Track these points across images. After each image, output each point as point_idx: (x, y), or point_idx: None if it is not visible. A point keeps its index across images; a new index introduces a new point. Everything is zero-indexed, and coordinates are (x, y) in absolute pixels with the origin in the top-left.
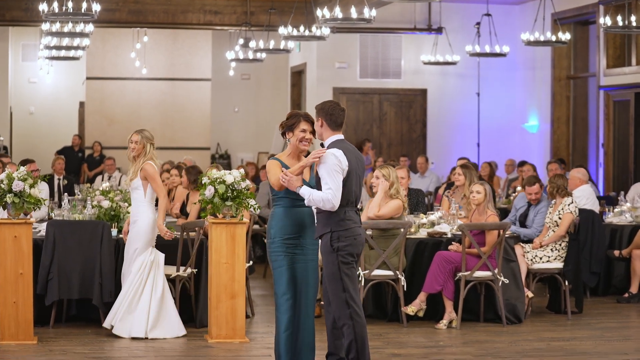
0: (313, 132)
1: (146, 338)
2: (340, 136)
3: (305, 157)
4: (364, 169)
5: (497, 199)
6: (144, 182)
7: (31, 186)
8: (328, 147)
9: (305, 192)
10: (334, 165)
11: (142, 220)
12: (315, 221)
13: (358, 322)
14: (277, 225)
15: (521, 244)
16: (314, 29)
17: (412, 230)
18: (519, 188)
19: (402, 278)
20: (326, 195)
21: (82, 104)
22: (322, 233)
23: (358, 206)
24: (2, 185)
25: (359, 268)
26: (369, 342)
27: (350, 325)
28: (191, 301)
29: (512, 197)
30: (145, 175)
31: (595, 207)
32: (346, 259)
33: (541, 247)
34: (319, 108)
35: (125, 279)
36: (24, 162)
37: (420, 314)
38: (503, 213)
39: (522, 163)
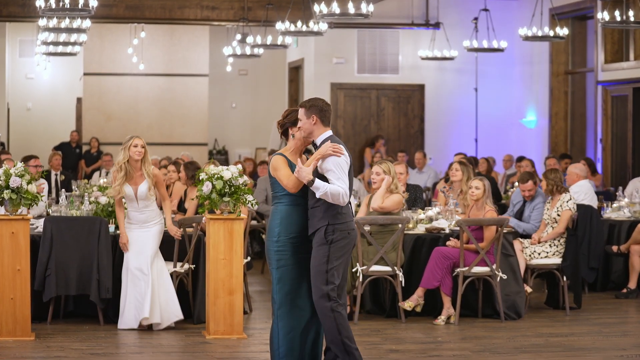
0: None
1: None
2: (330, 132)
3: (304, 153)
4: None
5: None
6: (154, 188)
7: (28, 182)
8: (324, 143)
9: (321, 185)
10: (344, 162)
11: (162, 223)
12: (309, 216)
13: (339, 314)
14: (283, 223)
15: (520, 239)
16: (311, 24)
17: (410, 225)
18: (516, 183)
19: (400, 274)
20: (344, 190)
21: (79, 100)
22: (318, 227)
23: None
24: None
25: (357, 264)
26: (366, 337)
27: (332, 317)
28: (189, 297)
29: (509, 193)
30: (156, 181)
31: (594, 203)
32: (337, 253)
33: (539, 243)
34: (310, 105)
35: (143, 274)
36: (28, 158)
37: (418, 309)
38: (502, 209)
39: (520, 158)
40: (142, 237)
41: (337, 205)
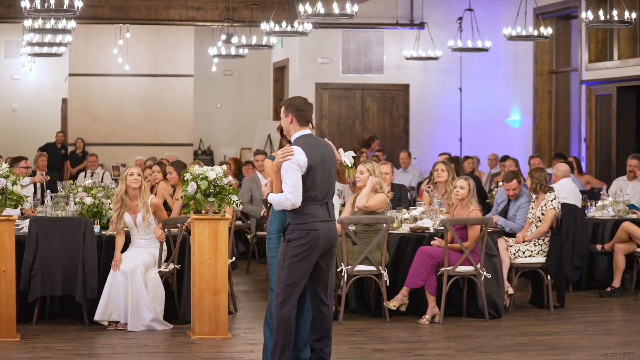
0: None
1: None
2: (306, 131)
3: None
4: (333, 162)
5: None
6: (153, 215)
7: (13, 183)
8: (292, 144)
9: (270, 197)
10: (290, 163)
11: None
12: None
13: (280, 317)
14: (276, 222)
15: (505, 237)
16: (296, 24)
17: (395, 225)
18: (501, 183)
19: (385, 273)
20: (284, 195)
21: (64, 101)
22: (285, 226)
23: (333, 200)
24: None
25: (341, 264)
26: (351, 337)
27: (275, 316)
28: (174, 297)
29: (494, 192)
30: (155, 210)
31: (578, 201)
32: (292, 252)
33: (524, 242)
34: (288, 104)
35: (133, 276)
36: (18, 160)
37: (403, 308)
38: (487, 208)
39: (505, 158)
40: (141, 250)
41: (300, 206)
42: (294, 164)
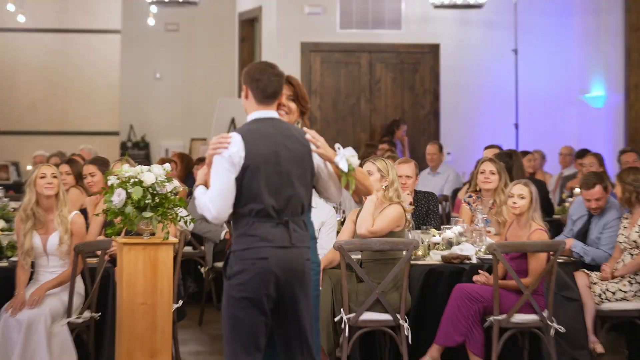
0: (296, 99)
1: None
2: (266, 113)
3: None
4: (298, 162)
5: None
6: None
7: None
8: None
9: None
10: (220, 159)
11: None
12: None
13: None
14: None
15: (585, 270)
16: None
17: (420, 253)
18: (577, 190)
19: (406, 325)
20: (203, 201)
21: None
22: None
23: (325, 215)
24: None
25: (341, 310)
26: None
27: None
28: None
29: (567, 203)
30: (73, 232)
31: None
32: (236, 293)
33: (614, 278)
34: (244, 72)
35: (35, 331)
36: None
37: None
38: (556, 227)
39: (582, 153)
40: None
41: (242, 223)
42: (225, 160)
